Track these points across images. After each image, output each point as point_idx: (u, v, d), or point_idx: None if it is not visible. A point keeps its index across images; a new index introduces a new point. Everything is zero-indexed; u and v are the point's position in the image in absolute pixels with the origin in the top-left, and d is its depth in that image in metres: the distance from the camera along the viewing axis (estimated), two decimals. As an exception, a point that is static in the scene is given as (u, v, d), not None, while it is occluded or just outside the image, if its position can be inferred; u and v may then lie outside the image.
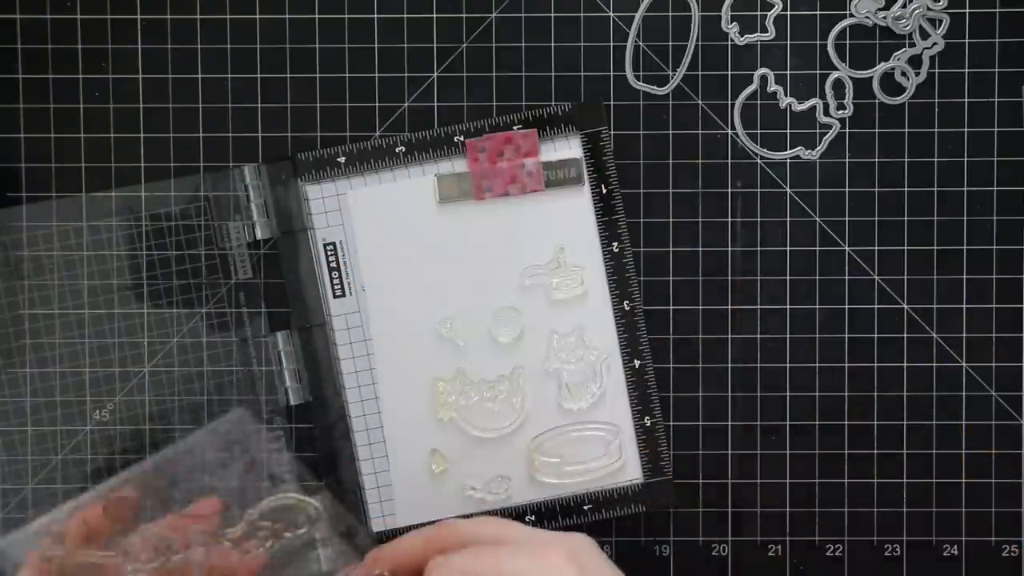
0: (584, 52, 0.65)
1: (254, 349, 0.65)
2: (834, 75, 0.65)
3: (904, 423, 0.65)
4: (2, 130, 0.65)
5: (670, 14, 0.65)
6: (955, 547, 0.65)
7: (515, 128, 0.64)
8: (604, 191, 0.64)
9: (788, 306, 0.65)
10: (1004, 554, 0.65)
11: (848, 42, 0.65)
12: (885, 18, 0.64)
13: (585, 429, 0.65)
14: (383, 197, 0.64)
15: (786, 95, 0.65)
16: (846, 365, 0.65)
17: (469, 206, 0.64)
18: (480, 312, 0.64)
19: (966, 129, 0.65)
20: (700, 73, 0.65)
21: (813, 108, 0.65)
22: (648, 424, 0.64)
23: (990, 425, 0.65)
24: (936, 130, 0.65)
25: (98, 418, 0.65)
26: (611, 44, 0.65)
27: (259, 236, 0.64)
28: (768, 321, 0.65)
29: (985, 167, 0.65)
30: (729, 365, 0.65)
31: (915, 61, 0.65)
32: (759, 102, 0.65)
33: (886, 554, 0.65)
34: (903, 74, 0.65)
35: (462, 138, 0.64)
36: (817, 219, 0.65)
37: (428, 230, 0.64)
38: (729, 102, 0.65)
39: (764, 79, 0.65)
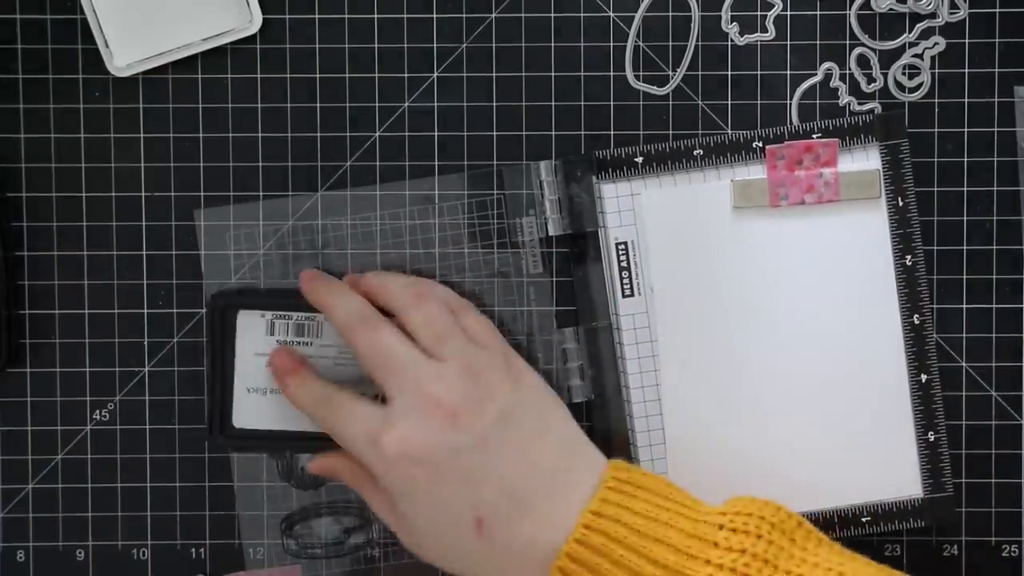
0: (584, 52, 0.65)
1: (541, 345, 0.65)
2: (836, 75, 0.65)
3: (904, 423, 0.65)
4: (2, 130, 0.65)
5: (670, 14, 0.64)
6: (955, 547, 0.65)
7: (814, 136, 0.63)
8: (900, 204, 0.63)
9: (788, 306, 0.65)
10: (1004, 554, 0.65)
11: (848, 42, 0.65)
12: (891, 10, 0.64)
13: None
14: (677, 199, 0.63)
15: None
16: (846, 365, 0.65)
17: (763, 213, 0.63)
18: (768, 317, 0.64)
19: (966, 129, 0.65)
20: (700, 73, 0.65)
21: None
22: (931, 439, 0.64)
23: (990, 425, 0.65)
24: (936, 130, 0.65)
25: (98, 418, 0.65)
26: (611, 44, 0.65)
27: (551, 232, 0.64)
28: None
29: (985, 167, 0.65)
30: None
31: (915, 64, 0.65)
32: (759, 102, 0.65)
33: (886, 553, 0.65)
34: (904, 74, 0.65)
35: (761, 144, 0.63)
36: (817, 219, 0.65)
37: (721, 234, 0.63)
38: (729, 102, 0.64)
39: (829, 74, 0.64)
